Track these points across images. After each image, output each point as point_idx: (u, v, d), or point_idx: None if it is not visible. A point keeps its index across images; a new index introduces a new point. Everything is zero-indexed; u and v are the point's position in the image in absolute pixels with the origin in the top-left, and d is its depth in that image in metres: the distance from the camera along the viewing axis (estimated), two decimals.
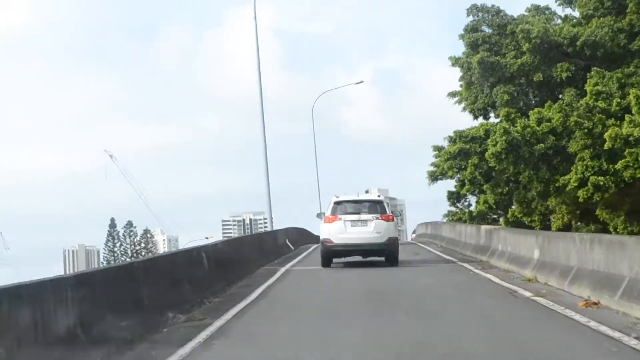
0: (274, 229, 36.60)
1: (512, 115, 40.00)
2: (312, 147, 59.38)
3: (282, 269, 22.39)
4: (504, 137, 37.60)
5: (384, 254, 22.81)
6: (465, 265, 21.90)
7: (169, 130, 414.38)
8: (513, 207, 42.54)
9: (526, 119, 39.85)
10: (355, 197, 23.79)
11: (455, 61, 44.28)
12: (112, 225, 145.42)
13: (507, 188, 41.62)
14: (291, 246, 34.42)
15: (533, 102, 45.06)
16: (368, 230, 22.19)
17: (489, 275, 18.24)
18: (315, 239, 40.21)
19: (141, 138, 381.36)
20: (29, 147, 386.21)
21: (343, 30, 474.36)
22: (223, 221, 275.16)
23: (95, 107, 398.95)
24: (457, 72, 45.32)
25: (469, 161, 42.53)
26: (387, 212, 22.80)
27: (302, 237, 41.83)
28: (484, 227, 25.28)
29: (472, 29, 44.06)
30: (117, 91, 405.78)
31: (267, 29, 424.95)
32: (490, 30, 44.03)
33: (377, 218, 22.30)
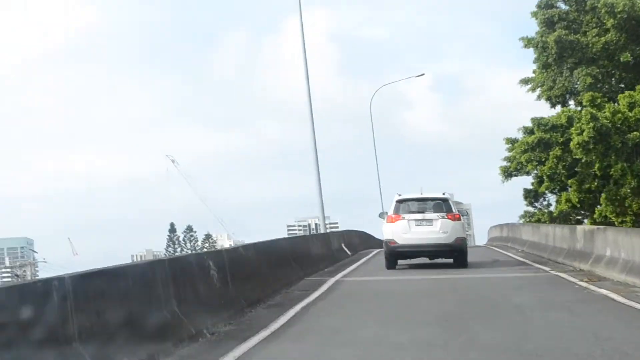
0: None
1: (598, 100, 35.00)
2: (373, 149, 54.97)
3: (331, 280, 18.07)
4: (591, 124, 32.58)
5: (452, 255, 21.37)
6: (563, 275, 17.15)
7: (232, 136, 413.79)
8: (600, 206, 37.45)
9: (615, 104, 34.92)
10: (419, 195, 22.22)
11: (528, 42, 39.29)
12: (172, 230, 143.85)
13: (594, 183, 36.55)
14: (348, 251, 30.11)
15: (619, 85, 39.86)
16: (434, 230, 20.89)
17: (603, 291, 13.49)
18: (377, 243, 36.33)
19: (204, 143, 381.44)
20: (92, 151, 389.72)
21: (400, 35, 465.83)
22: (288, 226, 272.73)
23: (158, 112, 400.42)
24: (528, 56, 40.75)
25: (550, 153, 37.54)
26: (454, 210, 21.36)
27: (362, 242, 37.60)
28: (581, 228, 20.49)
29: (546, 4, 39.16)
30: (179, 96, 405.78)
31: (325, 34, 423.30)
32: (567, 7, 39.11)
33: (443, 217, 20.99)
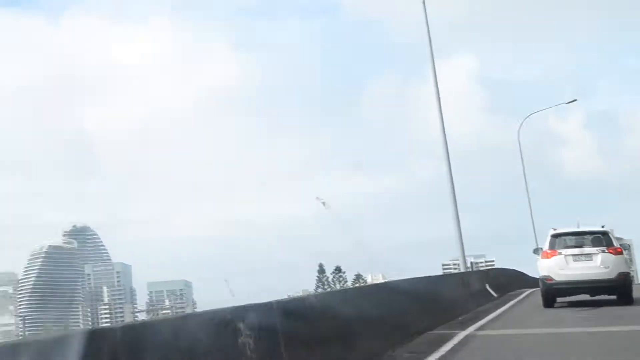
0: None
1: None
2: (524, 184, 52.32)
3: (461, 334, 13.78)
4: None
5: (615, 291, 19.97)
6: None
7: (385, 177, 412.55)
8: None
9: None
10: (575, 229, 20.94)
11: None
12: (321, 270, 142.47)
13: None
14: (493, 293, 25.67)
15: None
16: (594, 265, 19.60)
17: None
18: (530, 281, 31.90)
19: (357, 185, 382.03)
20: (249, 197, 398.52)
21: (550, 75, 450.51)
22: (443, 265, 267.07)
23: (312, 156, 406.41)
24: None
25: None
26: (614, 244, 20.05)
27: (512, 281, 33.13)
28: None
29: None
30: (331, 140, 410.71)
31: (473, 76, 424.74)
32: None
33: (603, 251, 19.67)
